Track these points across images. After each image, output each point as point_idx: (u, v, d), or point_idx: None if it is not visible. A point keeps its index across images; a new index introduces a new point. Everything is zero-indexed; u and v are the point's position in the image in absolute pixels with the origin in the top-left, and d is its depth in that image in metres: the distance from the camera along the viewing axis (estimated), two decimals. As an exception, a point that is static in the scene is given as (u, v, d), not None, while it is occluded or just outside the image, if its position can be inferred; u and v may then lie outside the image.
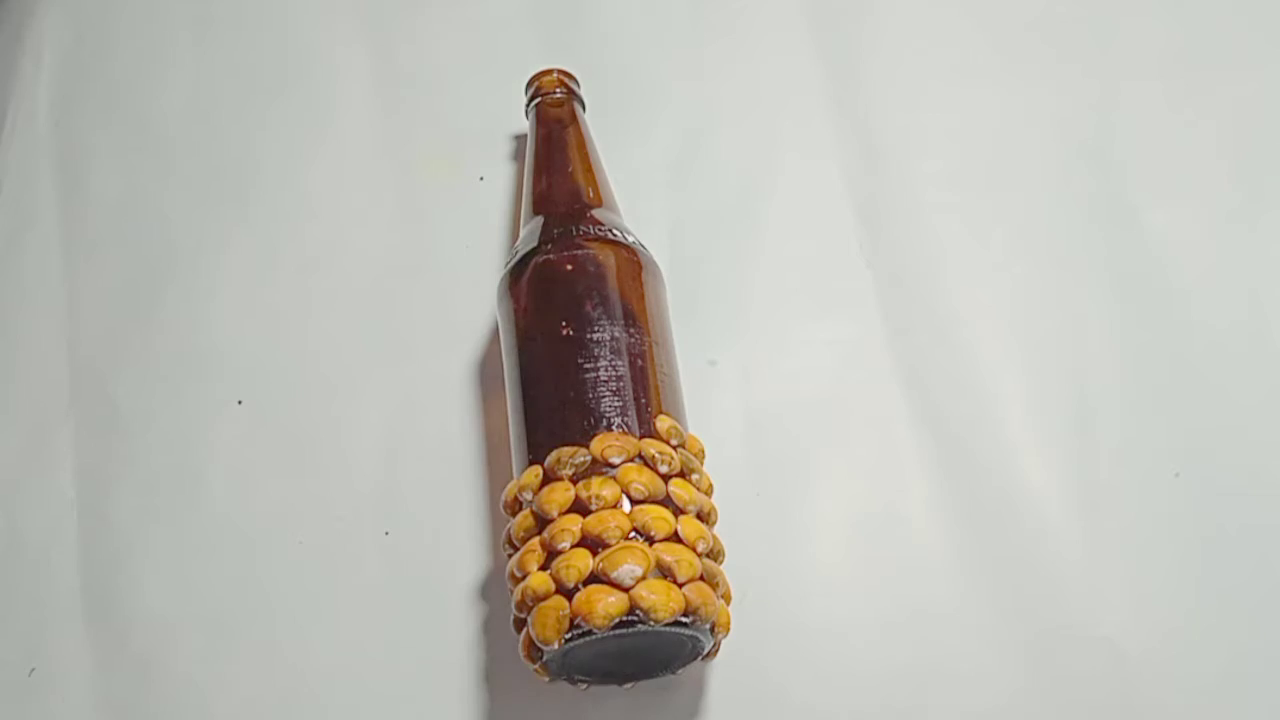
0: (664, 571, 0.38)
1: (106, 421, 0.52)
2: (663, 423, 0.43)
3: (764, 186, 0.56)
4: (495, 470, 0.50)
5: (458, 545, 0.48)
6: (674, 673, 0.42)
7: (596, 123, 0.55)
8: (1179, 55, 0.58)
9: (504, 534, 0.42)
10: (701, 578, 0.39)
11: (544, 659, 0.40)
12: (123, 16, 0.63)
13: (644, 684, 0.43)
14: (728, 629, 0.41)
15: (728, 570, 0.42)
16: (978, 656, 0.46)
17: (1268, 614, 0.46)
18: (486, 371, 0.52)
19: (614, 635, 0.38)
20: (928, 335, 0.52)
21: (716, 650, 0.42)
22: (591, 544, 0.39)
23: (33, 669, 0.48)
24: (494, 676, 0.46)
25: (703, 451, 0.45)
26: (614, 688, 0.43)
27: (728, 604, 0.41)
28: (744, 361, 0.51)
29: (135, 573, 0.49)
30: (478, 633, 0.47)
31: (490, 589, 0.48)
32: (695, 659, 0.41)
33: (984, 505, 0.48)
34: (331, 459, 0.50)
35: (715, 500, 0.44)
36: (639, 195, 0.54)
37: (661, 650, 0.41)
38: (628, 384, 0.42)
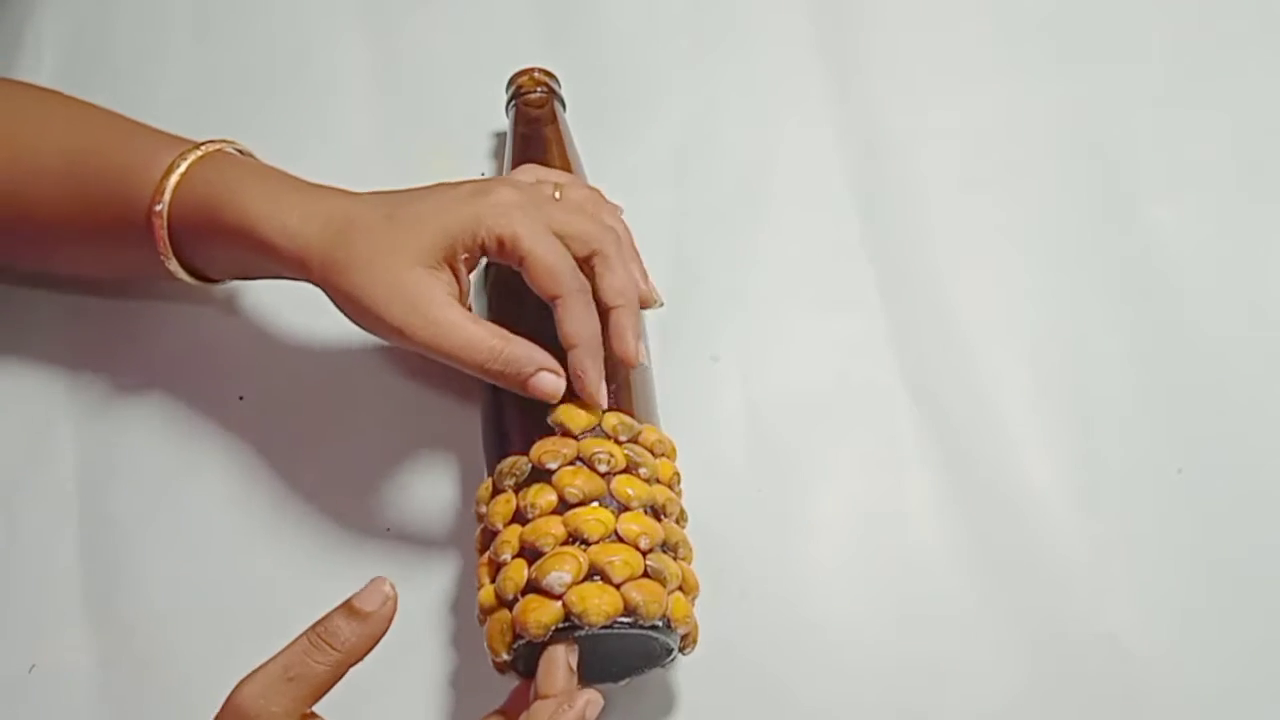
0: (598, 573, 0.38)
1: (106, 420, 0.52)
2: (610, 419, 0.42)
3: (765, 182, 0.56)
4: (495, 467, 0.49)
5: (459, 542, 0.48)
6: (664, 668, 0.41)
7: (597, 119, 0.54)
8: (1181, 52, 0.58)
9: None
10: (646, 574, 0.38)
11: (508, 667, 0.40)
12: (122, 16, 0.63)
13: (642, 681, 0.42)
14: (686, 622, 0.39)
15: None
16: (980, 654, 0.45)
17: (1271, 611, 0.46)
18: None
19: (556, 640, 0.38)
20: (930, 331, 0.52)
21: (691, 642, 0.41)
22: (529, 553, 0.39)
23: (33, 666, 0.48)
24: (495, 673, 0.46)
25: (665, 442, 0.44)
26: (612, 685, 0.42)
27: (690, 596, 0.40)
28: (746, 358, 0.51)
29: (135, 572, 0.49)
30: (479, 630, 0.47)
31: (490, 586, 0.47)
32: (670, 655, 0.40)
33: (986, 502, 0.48)
34: (332, 455, 0.50)
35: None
36: (640, 192, 0.53)
37: (632, 648, 0.40)
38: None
